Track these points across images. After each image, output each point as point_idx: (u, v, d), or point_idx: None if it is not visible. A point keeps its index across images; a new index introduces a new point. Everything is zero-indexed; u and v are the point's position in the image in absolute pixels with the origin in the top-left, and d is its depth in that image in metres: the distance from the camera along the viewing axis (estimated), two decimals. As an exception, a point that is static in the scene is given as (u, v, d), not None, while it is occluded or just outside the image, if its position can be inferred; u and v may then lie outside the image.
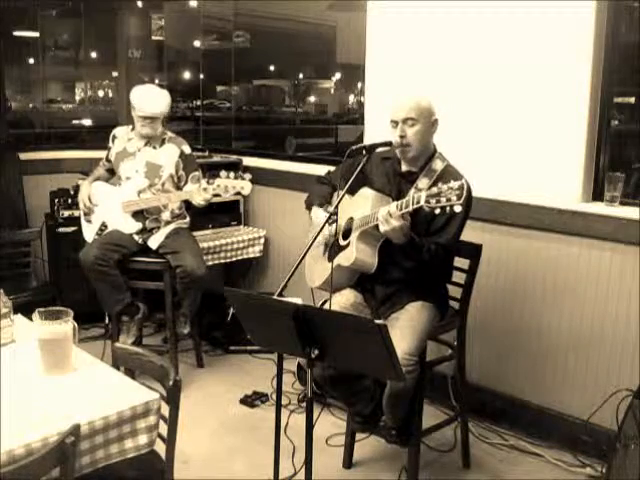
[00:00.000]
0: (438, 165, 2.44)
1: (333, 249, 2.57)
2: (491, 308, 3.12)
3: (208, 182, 3.27)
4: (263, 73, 6.67)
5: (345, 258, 2.46)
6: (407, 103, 2.40)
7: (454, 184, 2.03)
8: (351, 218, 2.51)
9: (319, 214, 2.60)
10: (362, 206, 2.44)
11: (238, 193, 3.27)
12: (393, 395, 2.38)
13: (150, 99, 3.42)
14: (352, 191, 2.55)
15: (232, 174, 3.24)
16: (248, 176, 3.28)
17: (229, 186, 3.22)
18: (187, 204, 3.56)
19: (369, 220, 2.36)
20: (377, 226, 2.32)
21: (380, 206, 2.33)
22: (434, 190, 2.06)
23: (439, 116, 2.45)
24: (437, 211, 2.06)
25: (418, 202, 2.10)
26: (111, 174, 3.69)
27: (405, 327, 2.36)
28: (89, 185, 3.62)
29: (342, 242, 2.53)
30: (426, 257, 2.33)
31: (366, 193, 2.49)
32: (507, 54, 2.92)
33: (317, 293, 2.59)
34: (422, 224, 2.36)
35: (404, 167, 2.50)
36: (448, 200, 2.02)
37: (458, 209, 2.03)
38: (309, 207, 2.71)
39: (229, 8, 5.56)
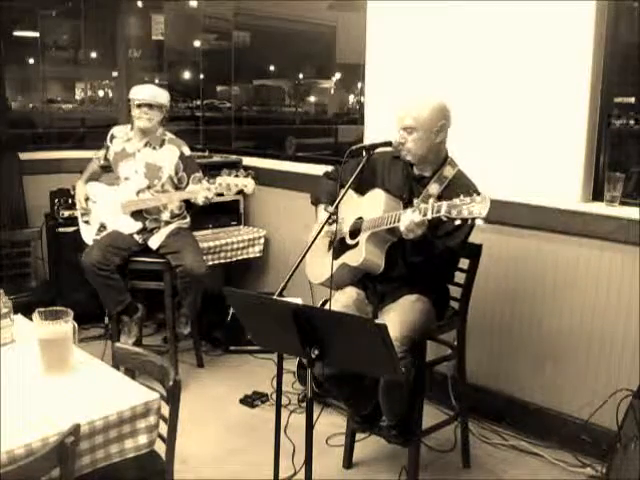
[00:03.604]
0: (449, 172, 2.43)
1: (337, 247, 2.56)
2: (491, 308, 3.12)
3: (209, 182, 3.28)
4: (263, 73, 6.66)
5: (353, 258, 2.46)
6: (408, 110, 2.38)
7: (477, 197, 1.98)
8: (360, 218, 2.50)
9: (325, 213, 2.59)
10: (373, 207, 2.43)
11: (241, 191, 3.28)
12: (386, 387, 2.39)
13: (145, 87, 3.53)
14: (361, 190, 2.54)
15: (234, 172, 3.25)
16: (251, 174, 3.28)
17: (232, 184, 3.23)
18: (187, 204, 3.57)
19: (381, 222, 2.35)
20: (389, 229, 2.32)
21: (392, 209, 2.33)
22: (456, 201, 2.01)
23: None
24: (457, 222, 2.03)
25: (438, 212, 2.05)
26: (105, 171, 3.68)
27: (395, 316, 2.36)
28: (84, 185, 3.63)
29: (350, 241, 2.53)
30: (435, 254, 2.31)
31: (378, 195, 2.46)
32: (507, 54, 2.92)
33: (317, 291, 2.59)
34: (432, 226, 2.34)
35: (416, 171, 2.50)
36: (470, 212, 1.98)
37: (479, 222, 1.99)
38: (315, 204, 2.70)
39: (229, 8, 5.56)
